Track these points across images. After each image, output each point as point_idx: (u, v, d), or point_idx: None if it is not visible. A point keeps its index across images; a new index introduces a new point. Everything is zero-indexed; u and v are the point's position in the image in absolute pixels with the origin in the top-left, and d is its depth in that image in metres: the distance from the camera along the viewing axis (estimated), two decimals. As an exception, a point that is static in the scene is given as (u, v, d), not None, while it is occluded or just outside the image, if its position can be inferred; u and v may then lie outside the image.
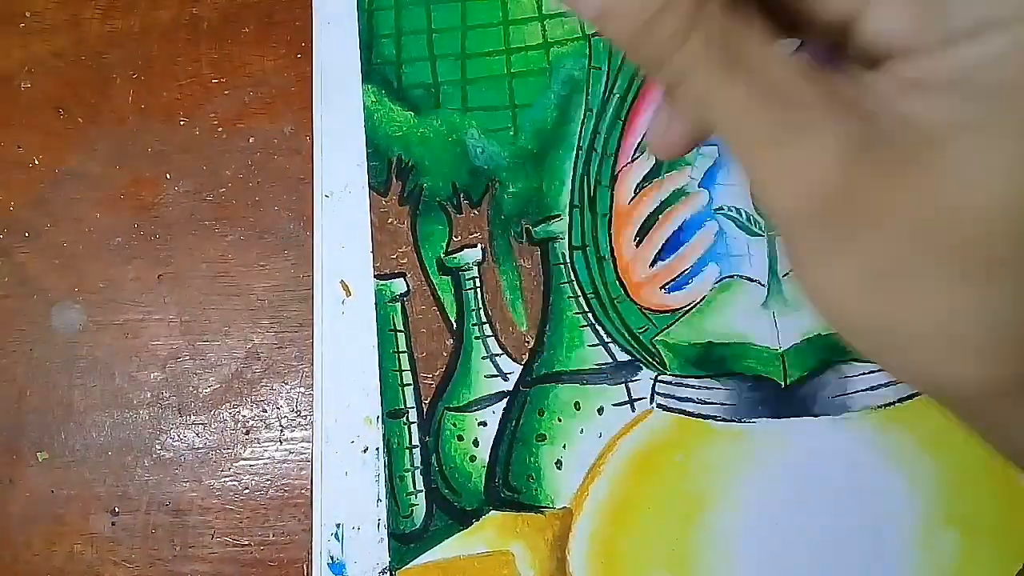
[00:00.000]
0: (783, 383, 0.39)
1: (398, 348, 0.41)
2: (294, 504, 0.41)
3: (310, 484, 0.40)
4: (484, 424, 0.40)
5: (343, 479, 0.40)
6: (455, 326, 0.41)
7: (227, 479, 0.41)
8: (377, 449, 0.40)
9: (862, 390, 0.39)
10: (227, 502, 0.41)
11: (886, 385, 0.38)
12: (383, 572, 0.39)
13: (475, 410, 0.41)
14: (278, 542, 0.41)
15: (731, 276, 0.40)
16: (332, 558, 0.40)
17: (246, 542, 0.41)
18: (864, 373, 0.39)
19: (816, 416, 0.39)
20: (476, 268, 0.41)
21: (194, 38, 0.44)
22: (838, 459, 0.38)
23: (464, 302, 0.41)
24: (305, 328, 0.42)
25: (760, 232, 0.40)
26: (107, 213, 0.43)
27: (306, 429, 0.42)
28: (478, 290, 0.41)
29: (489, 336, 0.41)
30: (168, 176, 0.43)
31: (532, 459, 0.40)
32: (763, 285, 0.40)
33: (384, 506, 0.40)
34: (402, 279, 0.41)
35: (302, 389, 0.42)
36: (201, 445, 0.42)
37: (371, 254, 0.41)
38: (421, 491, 0.40)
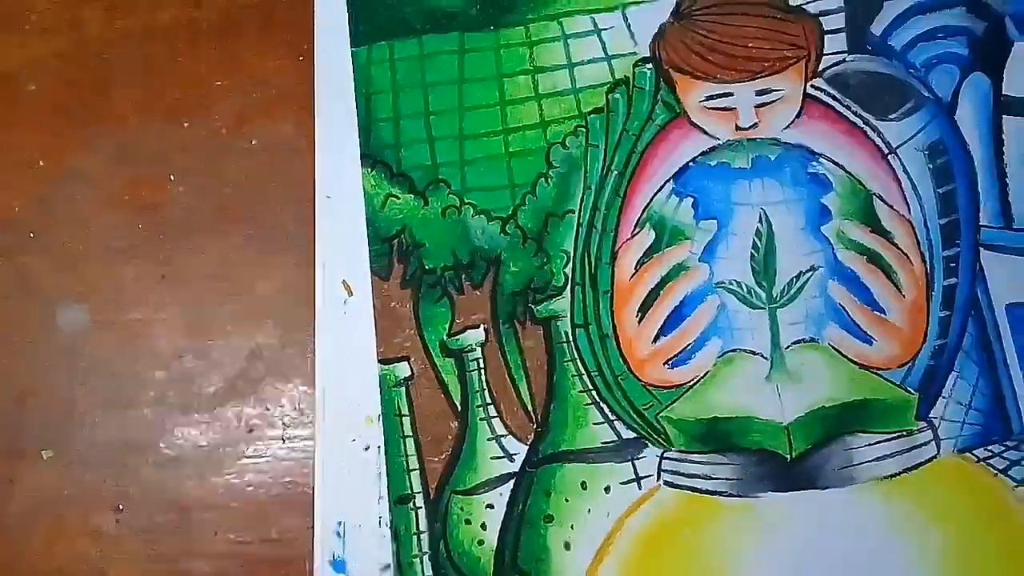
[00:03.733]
0: (788, 456, 0.40)
1: (403, 432, 0.42)
2: (296, 502, 0.42)
3: (312, 482, 0.42)
4: (491, 507, 0.42)
5: (345, 477, 0.41)
6: (459, 408, 0.42)
7: (230, 477, 0.43)
8: (378, 448, 0.42)
9: (867, 461, 0.40)
10: (230, 500, 0.43)
11: (891, 456, 0.40)
12: (384, 569, 0.41)
13: (482, 492, 0.42)
14: (281, 540, 0.42)
15: (734, 350, 0.41)
16: (334, 555, 0.41)
17: (249, 539, 0.42)
18: (869, 444, 0.40)
19: (822, 489, 0.40)
20: (479, 349, 0.43)
21: (195, 39, 0.46)
22: (845, 531, 0.40)
23: (468, 384, 0.42)
24: (307, 328, 0.43)
25: (761, 305, 0.41)
26: (110, 214, 0.45)
27: (308, 427, 0.43)
28: (482, 371, 0.42)
29: (494, 417, 0.42)
30: (170, 177, 0.45)
31: (540, 541, 0.41)
32: (766, 358, 0.41)
33: (385, 504, 0.41)
34: (406, 363, 0.43)
35: (304, 388, 0.43)
36: (204, 443, 0.43)
37: (375, 337, 0.43)
38: None
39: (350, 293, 0.43)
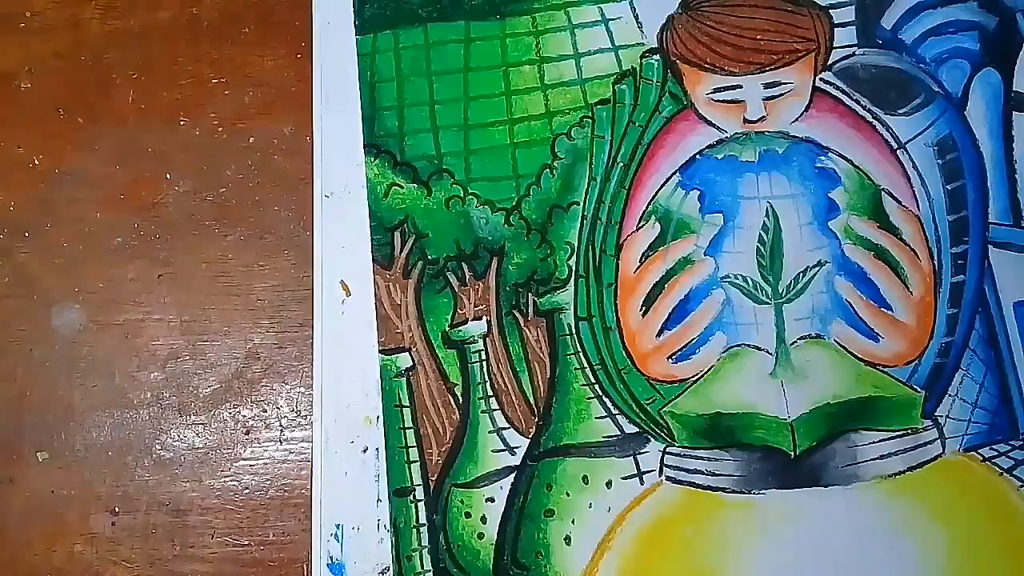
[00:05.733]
0: (792, 453, 0.40)
1: (403, 424, 0.42)
2: (294, 504, 0.43)
3: (310, 484, 0.42)
4: (492, 500, 0.42)
5: (343, 479, 0.42)
6: (461, 400, 0.42)
7: (227, 479, 0.43)
8: (377, 449, 0.42)
9: (871, 459, 0.40)
10: (227, 502, 0.43)
11: (895, 454, 0.40)
12: (383, 572, 0.41)
13: (482, 486, 0.42)
14: (278, 542, 0.43)
15: (738, 345, 0.41)
16: (332, 558, 0.41)
17: (246, 542, 0.43)
18: (873, 442, 0.40)
19: (826, 486, 0.40)
20: (482, 341, 0.43)
21: (194, 38, 0.46)
22: (848, 529, 0.40)
23: (470, 375, 0.43)
24: (305, 328, 0.43)
25: (767, 300, 0.42)
26: (107, 213, 0.45)
27: (306, 429, 0.43)
28: (484, 363, 0.43)
29: (495, 410, 0.42)
30: (168, 176, 0.45)
31: (541, 535, 0.41)
32: (771, 354, 0.41)
33: (384, 507, 0.42)
34: (407, 353, 0.43)
35: (302, 389, 0.44)
36: (201, 445, 0.44)
37: (376, 327, 0.43)
38: (429, 571, 0.41)
39: (348, 293, 0.43)
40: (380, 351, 0.43)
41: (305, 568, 0.42)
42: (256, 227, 0.45)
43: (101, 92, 0.46)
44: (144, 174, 0.46)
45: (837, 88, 0.43)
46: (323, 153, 0.45)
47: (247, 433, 0.44)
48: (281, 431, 0.44)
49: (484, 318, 0.43)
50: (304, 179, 0.45)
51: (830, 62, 0.43)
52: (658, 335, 0.42)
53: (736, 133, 0.43)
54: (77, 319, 0.45)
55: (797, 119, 0.43)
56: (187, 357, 0.45)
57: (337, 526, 0.42)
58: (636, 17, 0.45)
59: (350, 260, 0.44)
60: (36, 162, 0.46)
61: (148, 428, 0.44)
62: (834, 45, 0.43)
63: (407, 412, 0.42)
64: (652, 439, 0.41)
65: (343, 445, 0.42)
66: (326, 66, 0.45)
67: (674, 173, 0.43)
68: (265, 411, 0.44)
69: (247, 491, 0.43)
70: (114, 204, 0.46)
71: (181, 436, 0.44)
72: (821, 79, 0.43)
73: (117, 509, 0.44)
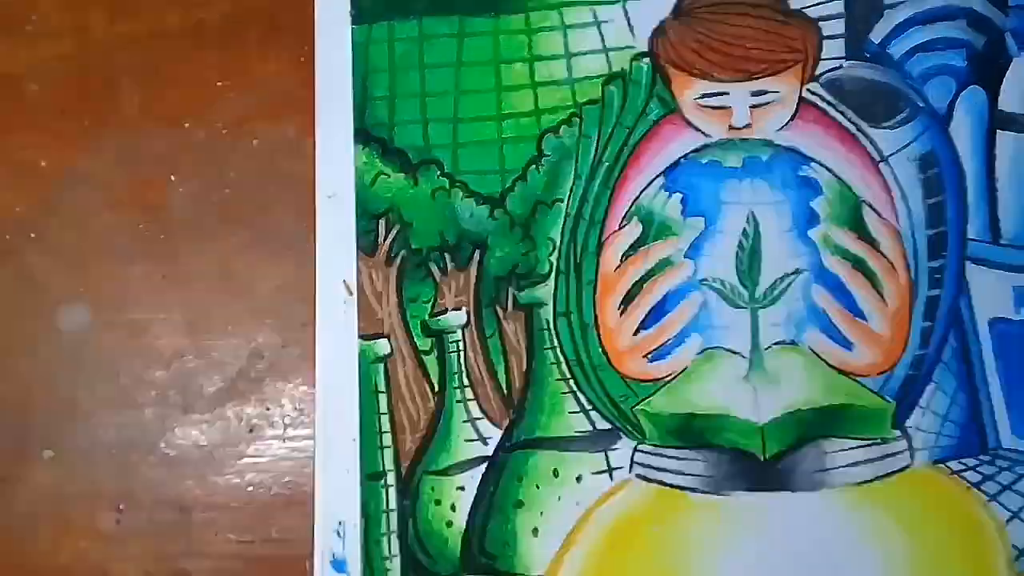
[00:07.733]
0: (762, 457, 0.42)
1: (379, 410, 0.43)
2: (297, 502, 0.44)
3: (312, 482, 0.43)
4: (462, 489, 0.43)
5: (345, 477, 0.43)
6: (437, 388, 0.44)
7: (231, 477, 0.45)
8: None
9: (841, 466, 0.41)
10: (231, 499, 0.45)
11: (865, 462, 0.41)
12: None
13: (454, 474, 0.43)
14: (281, 539, 0.44)
15: (714, 347, 0.43)
16: (334, 555, 0.43)
17: (250, 539, 0.44)
18: (843, 449, 0.41)
19: (794, 491, 0.41)
20: (460, 331, 0.44)
21: (199, 43, 0.47)
22: (814, 535, 0.41)
23: (447, 365, 0.44)
24: (308, 327, 0.45)
25: (743, 304, 0.43)
26: (113, 214, 0.47)
27: (308, 427, 0.45)
28: (461, 353, 0.44)
29: (471, 400, 0.43)
30: (172, 178, 0.47)
31: (509, 526, 0.42)
32: (745, 357, 0.42)
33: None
34: (385, 340, 0.44)
35: (304, 388, 0.45)
36: (206, 443, 0.45)
37: (356, 313, 0.44)
38: (396, 556, 0.42)
39: (350, 293, 0.44)
40: (359, 336, 0.44)
41: (308, 565, 0.43)
42: (260, 228, 0.46)
43: (106, 95, 0.47)
44: (149, 176, 0.47)
45: (823, 99, 0.44)
46: (324, 155, 0.46)
47: (251, 431, 0.45)
48: (284, 429, 0.45)
49: (464, 309, 0.44)
50: (306, 180, 0.45)
51: (817, 73, 0.44)
52: (635, 334, 0.43)
53: (721, 139, 0.44)
54: (82, 319, 0.46)
55: (782, 128, 0.44)
56: (191, 356, 0.46)
57: (339, 523, 0.43)
58: (628, 20, 0.45)
59: (352, 260, 0.45)
60: (42, 164, 0.47)
61: (153, 426, 0.45)
62: (822, 57, 0.44)
63: (383, 398, 0.44)
64: (624, 436, 0.43)
65: (345, 443, 0.43)
66: (328, 69, 0.46)
67: (658, 175, 0.44)
68: (269, 409, 0.45)
69: (251, 488, 0.45)
70: (119, 206, 0.47)
71: (186, 434, 0.45)
72: (808, 90, 0.44)
73: (122, 507, 0.45)
